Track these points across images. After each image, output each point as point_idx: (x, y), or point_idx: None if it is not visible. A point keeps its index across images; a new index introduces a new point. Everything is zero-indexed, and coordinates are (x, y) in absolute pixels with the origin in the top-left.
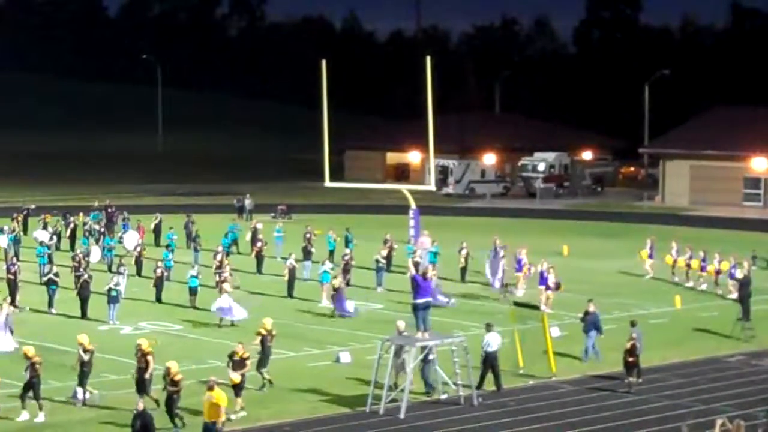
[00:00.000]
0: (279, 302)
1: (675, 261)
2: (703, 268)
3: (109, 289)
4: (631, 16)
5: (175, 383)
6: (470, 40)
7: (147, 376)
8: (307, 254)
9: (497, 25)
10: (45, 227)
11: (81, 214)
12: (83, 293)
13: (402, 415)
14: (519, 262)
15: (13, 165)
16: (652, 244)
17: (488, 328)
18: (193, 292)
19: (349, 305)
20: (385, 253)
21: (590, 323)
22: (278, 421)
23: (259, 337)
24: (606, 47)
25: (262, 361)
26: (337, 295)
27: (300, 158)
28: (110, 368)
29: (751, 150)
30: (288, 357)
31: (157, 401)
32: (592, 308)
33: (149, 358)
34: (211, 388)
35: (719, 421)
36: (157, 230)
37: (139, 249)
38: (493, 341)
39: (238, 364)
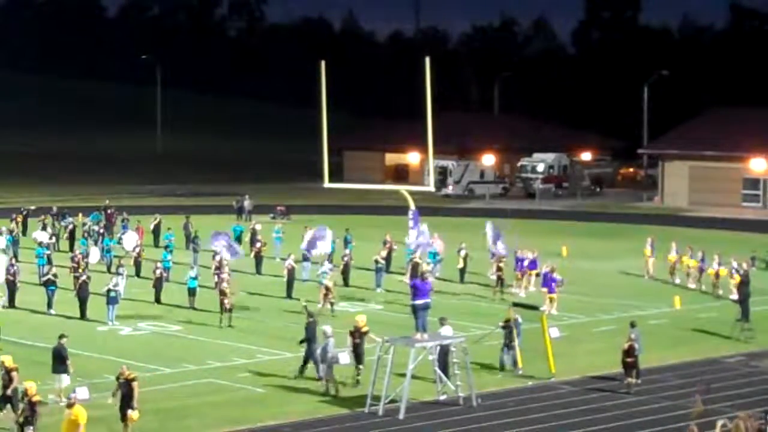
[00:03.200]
0: (278, 303)
1: (675, 262)
2: (701, 269)
3: (108, 290)
4: (630, 16)
5: (32, 405)
6: (469, 40)
7: (9, 392)
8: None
9: (496, 26)
10: (44, 228)
11: (80, 214)
12: (82, 294)
13: (401, 416)
14: (521, 261)
15: (13, 165)
16: (652, 243)
17: (442, 322)
18: (192, 293)
19: None
20: (384, 254)
21: (510, 332)
22: (278, 421)
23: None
24: (605, 48)
25: (358, 358)
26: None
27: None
28: (111, 369)
29: (750, 151)
30: (287, 358)
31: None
32: (514, 315)
33: (13, 374)
34: (70, 406)
35: (720, 422)
36: (156, 231)
37: (138, 250)
38: (448, 334)
39: (125, 386)
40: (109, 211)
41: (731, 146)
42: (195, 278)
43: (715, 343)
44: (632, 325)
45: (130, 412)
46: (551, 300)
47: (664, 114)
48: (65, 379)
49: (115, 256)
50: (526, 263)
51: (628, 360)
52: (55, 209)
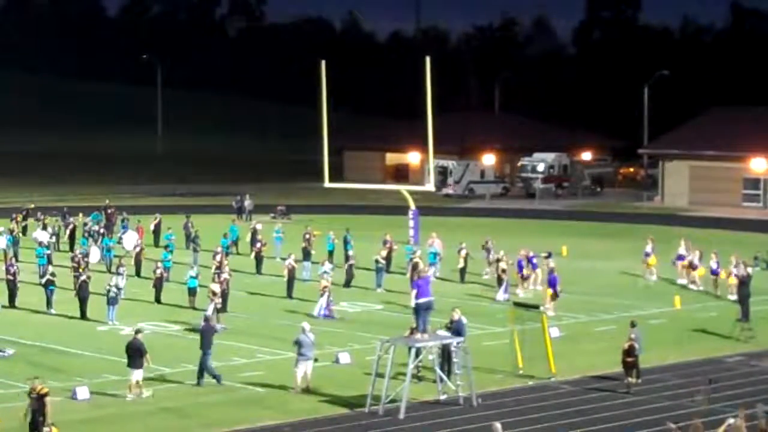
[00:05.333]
0: (278, 303)
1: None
2: (693, 267)
3: (109, 290)
4: (630, 16)
5: None
6: (470, 40)
7: None
8: (306, 255)
9: (497, 26)
10: (44, 228)
11: (81, 214)
12: (82, 294)
13: (401, 416)
14: (520, 263)
15: (13, 165)
16: (653, 246)
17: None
18: (192, 292)
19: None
20: (384, 253)
21: (455, 333)
22: (278, 421)
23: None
24: (606, 47)
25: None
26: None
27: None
28: (111, 369)
29: (750, 150)
30: (287, 357)
31: None
32: (456, 316)
33: None
34: None
35: (731, 420)
36: (156, 231)
37: (138, 249)
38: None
39: (36, 402)
40: (109, 211)
41: (731, 146)
42: (195, 278)
43: (715, 343)
44: (633, 324)
45: (45, 430)
46: (552, 298)
47: (665, 114)
48: (138, 374)
49: (115, 256)
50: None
51: (629, 360)
52: (65, 209)
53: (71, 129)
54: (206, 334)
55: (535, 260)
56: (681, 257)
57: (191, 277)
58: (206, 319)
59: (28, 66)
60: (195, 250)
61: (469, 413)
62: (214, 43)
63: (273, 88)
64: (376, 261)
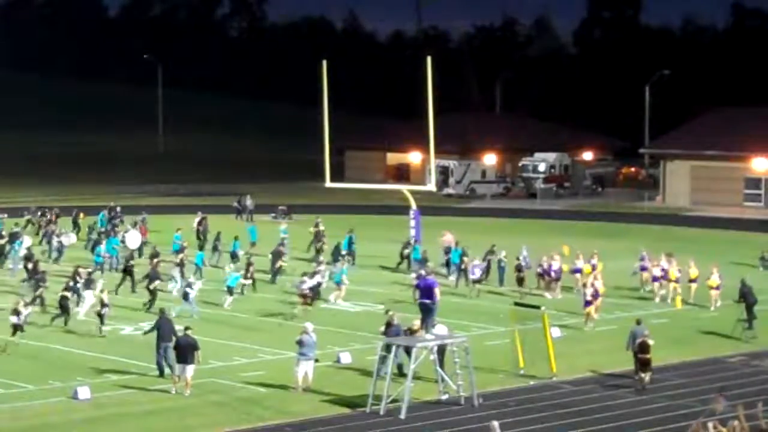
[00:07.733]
0: (280, 302)
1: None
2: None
3: (189, 284)
4: (631, 16)
5: None
6: (471, 40)
7: None
8: (318, 253)
9: (498, 25)
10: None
11: (82, 214)
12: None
13: (403, 416)
14: (550, 268)
15: (13, 165)
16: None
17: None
18: (230, 291)
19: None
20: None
21: (393, 336)
22: (278, 421)
23: None
24: (606, 47)
25: None
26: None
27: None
28: (112, 368)
29: (751, 150)
30: (288, 357)
31: None
32: (396, 320)
33: None
34: None
35: (710, 424)
36: (203, 230)
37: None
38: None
39: None
40: (113, 211)
41: (733, 146)
42: (235, 277)
43: (717, 343)
44: (638, 322)
45: None
46: (588, 315)
47: (666, 113)
48: (190, 370)
49: (120, 256)
50: (566, 268)
51: (642, 356)
52: (75, 211)
53: (71, 129)
54: (166, 326)
55: (553, 273)
56: (644, 267)
57: (233, 276)
58: (162, 312)
59: (28, 66)
60: (215, 248)
61: (470, 413)
62: (214, 43)
63: (273, 88)
64: None
